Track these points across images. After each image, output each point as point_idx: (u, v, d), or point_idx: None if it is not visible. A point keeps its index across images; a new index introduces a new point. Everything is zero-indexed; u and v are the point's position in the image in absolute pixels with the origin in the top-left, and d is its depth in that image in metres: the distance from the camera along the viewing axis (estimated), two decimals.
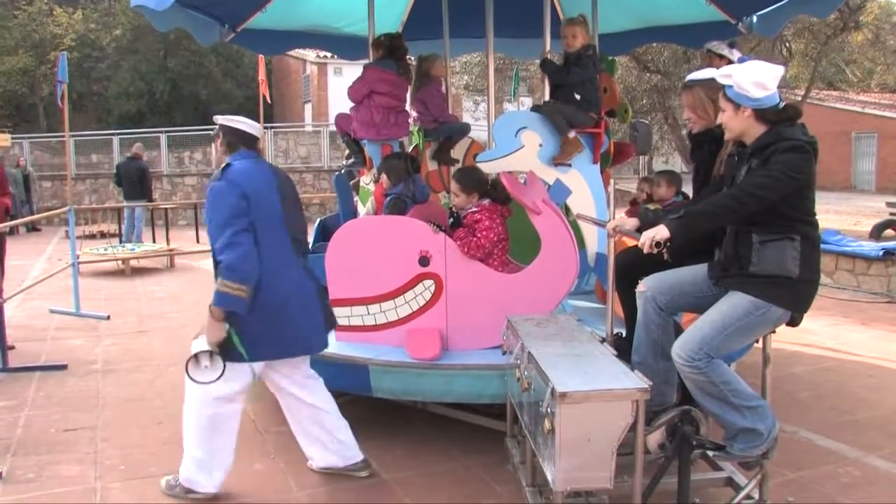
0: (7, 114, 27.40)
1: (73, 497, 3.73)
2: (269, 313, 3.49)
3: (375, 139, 5.68)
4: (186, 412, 3.65)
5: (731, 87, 3.10)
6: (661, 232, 3.05)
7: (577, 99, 5.01)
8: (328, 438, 3.86)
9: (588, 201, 5.09)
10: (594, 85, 5.11)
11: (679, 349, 3.14)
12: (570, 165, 5.03)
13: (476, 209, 4.43)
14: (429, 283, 4.38)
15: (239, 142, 3.67)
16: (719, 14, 6.10)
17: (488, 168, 4.88)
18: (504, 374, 3.89)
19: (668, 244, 3.06)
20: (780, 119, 3.09)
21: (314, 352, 3.82)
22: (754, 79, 3.05)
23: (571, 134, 4.97)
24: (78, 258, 8.81)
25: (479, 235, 4.30)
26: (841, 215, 17.08)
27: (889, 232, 11.91)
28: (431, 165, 6.34)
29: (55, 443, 4.43)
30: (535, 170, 4.96)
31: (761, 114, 3.10)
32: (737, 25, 6.09)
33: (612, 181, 3.63)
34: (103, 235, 15.26)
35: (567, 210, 5.12)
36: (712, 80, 3.35)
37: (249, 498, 3.72)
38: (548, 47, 5.48)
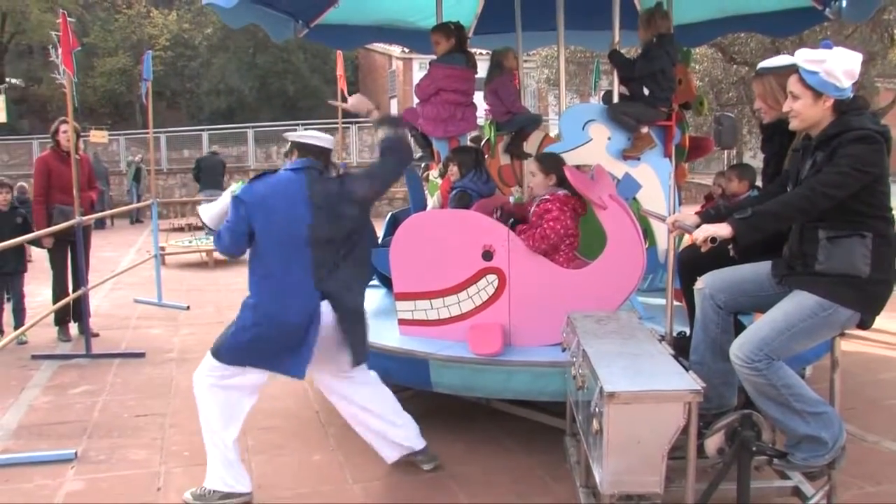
0: (107, 112, 28.62)
1: (139, 479, 3.85)
2: (264, 329, 3.52)
3: (443, 136, 5.65)
4: (204, 419, 3.65)
5: (816, 73, 2.90)
6: (720, 229, 2.91)
7: (644, 93, 4.88)
8: (385, 432, 3.85)
9: (659, 196, 4.96)
10: (666, 76, 4.95)
11: (737, 349, 3.00)
12: (639, 159, 4.90)
13: (549, 197, 4.34)
14: (492, 277, 4.32)
15: (307, 154, 3.63)
16: (805, 0, 5.79)
17: None
18: (564, 372, 3.80)
19: (731, 242, 2.93)
20: (850, 109, 2.91)
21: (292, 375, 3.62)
22: (846, 67, 2.87)
23: (644, 130, 4.85)
24: (163, 250, 9.10)
25: (545, 226, 4.20)
26: None
27: None
28: (504, 159, 6.26)
29: (127, 427, 4.59)
30: (604, 163, 4.84)
31: (839, 105, 2.93)
32: (823, 11, 5.75)
33: (671, 176, 3.48)
34: (190, 228, 15.75)
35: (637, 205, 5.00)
36: (786, 67, 3.19)
37: (304, 488, 3.75)
38: (616, 39, 5.32)
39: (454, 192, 5.05)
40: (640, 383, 2.65)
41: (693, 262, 3.72)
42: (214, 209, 3.68)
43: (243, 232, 3.49)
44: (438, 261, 4.39)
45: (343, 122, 13.40)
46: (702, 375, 2.80)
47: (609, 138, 4.96)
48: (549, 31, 6.07)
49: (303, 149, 3.63)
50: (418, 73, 25.51)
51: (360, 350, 3.67)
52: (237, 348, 3.56)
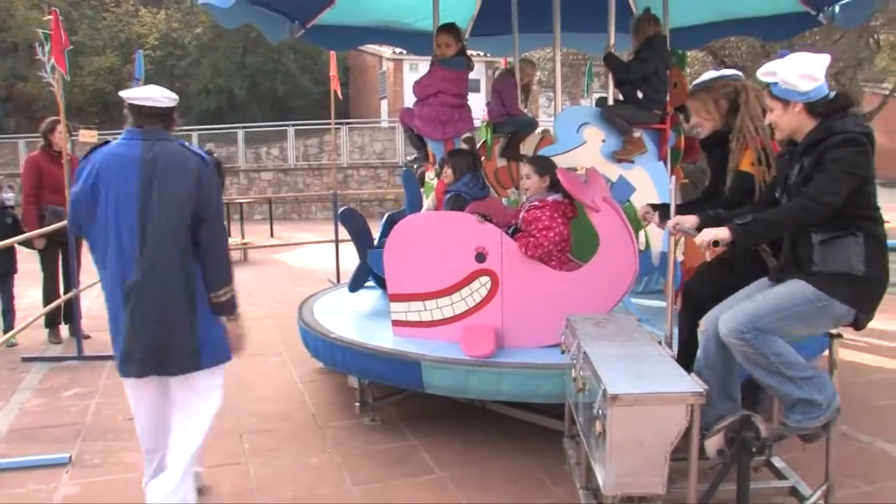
0: (95, 111, 28.43)
1: (133, 483, 3.79)
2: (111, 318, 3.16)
3: (441, 138, 5.64)
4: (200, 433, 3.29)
5: (776, 84, 2.97)
6: (722, 233, 2.93)
7: (639, 96, 4.91)
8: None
9: (654, 199, 4.97)
10: (659, 79, 5.01)
11: (727, 321, 3.02)
12: (633, 162, 4.93)
13: (538, 203, 4.38)
14: (485, 279, 4.35)
15: (135, 118, 3.11)
16: (798, 5, 5.83)
17: None
18: (558, 374, 3.82)
19: (729, 246, 2.96)
20: (831, 110, 2.94)
21: (150, 374, 3.15)
22: (801, 71, 2.91)
23: (636, 133, 4.87)
24: None
25: (538, 235, 4.25)
26: None
27: None
28: (500, 162, 6.31)
29: (121, 430, 4.55)
30: (598, 166, 4.87)
31: (812, 107, 2.96)
32: (817, 16, 5.80)
33: (673, 178, 3.50)
34: None
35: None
36: (713, 80, 3.50)
37: (302, 491, 3.74)
38: (612, 42, 5.36)
39: (448, 194, 5.06)
40: (643, 385, 2.66)
41: (695, 294, 3.69)
42: None
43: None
44: (432, 262, 4.42)
45: (335, 124, 13.39)
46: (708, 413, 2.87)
47: (603, 141, 5.00)
48: (544, 33, 6.10)
49: (131, 110, 3.12)
50: (409, 74, 25.51)
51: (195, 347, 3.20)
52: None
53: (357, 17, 6.77)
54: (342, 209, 5.63)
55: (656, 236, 5.08)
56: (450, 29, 5.58)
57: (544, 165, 4.49)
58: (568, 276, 4.28)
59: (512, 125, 6.09)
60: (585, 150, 5.01)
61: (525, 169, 4.55)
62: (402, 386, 4.49)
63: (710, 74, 3.55)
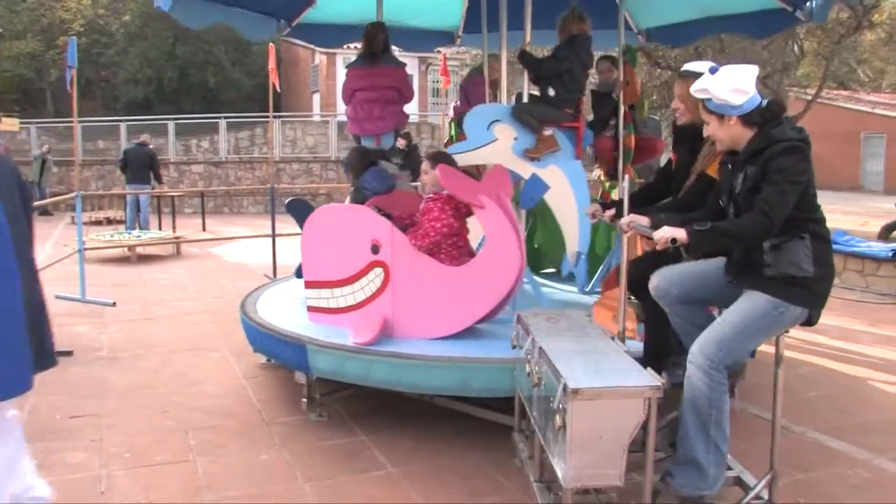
0: (14, 98, 27.41)
1: (79, 484, 3.72)
2: None
3: (360, 133, 5.79)
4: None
5: (709, 99, 3.06)
6: (680, 233, 3.01)
7: (551, 94, 4.95)
8: None
9: (569, 197, 5.05)
10: (573, 78, 5.01)
11: (697, 350, 3.10)
12: (538, 160, 4.96)
13: (433, 196, 4.54)
14: (379, 270, 4.55)
15: None
16: (776, 2, 5.84)
17: (460, 160, 4.92)
18: (424, 365, 4.12)
19: (684, 248, 3.05)
20: (766, 119, 3.04)
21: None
22: (731, 86, 3.01)
23: (547, 132, 4.91)
24: (84, 244, 8.79)
25: (426, 225, 4.42)
26: (849, 215, 17.02)
27: None
28: None
29: (61, 429, 4.43)
30: (510, 163, 4.95)
31: (747, 118, 3.06)
32: (793, 13, 5.92)
33: (626, 177, 3.58)
34: (109, 222, 15.27)
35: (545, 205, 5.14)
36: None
37: (253, 488, 3.69)
38: (528, 39, 5.38)
39: (351, 191, 5.33)
40: (602, 380, 2.73)
41: (638, 275, 3.74)
42: None
43: None
44: (337, 253, 4.65)
45: (267, 117, 13.13)
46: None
47: (515, 138, 5.02)
48: (537, 29, 6.17)
49: None
50: (341, 68, 25.32)
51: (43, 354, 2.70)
52: None
53: (344, 15, 6.72)
54: (290, 199, 5.62)
55: (572, 236, 5.15)
56: (366, 32, 5.78)
57: (440, 160, 4.61)
58: (453, 270, 4.45)
59: None
60: (496, 147, 5.02)
61: (423, 165, 4.70)
62: (294, 367, 4.66)
63: (707, 64, 3.53)
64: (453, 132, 6.18)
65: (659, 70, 13.66)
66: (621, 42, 5.82)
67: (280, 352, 4.69)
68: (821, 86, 15.23)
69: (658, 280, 3.43)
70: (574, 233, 5.10)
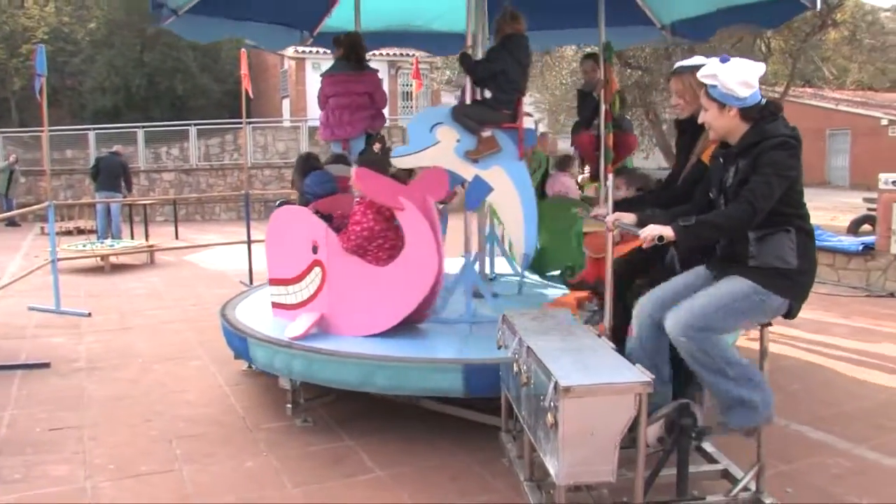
0: None
1: (65, 497, 3.66)
2: None
3: (331, 139, 5.91)
4: None
5: (715, 86, 3.10)
6: (666, 231, 3.04)
7: (486, 96, 5.00)
8: None
9: (513, 198, 5.05)
10: (507, 79, 4.99)
11: (672, 320, 3.13)
12: (479, 162, 4.97)
13: (360, 199, 4.71)
14: (318, 269, 4.82)
15: None
16: None
17: (402, 163, 5.03)
18: (338, 361, 4.28)
19: (671, 245, 3.08)
20: (762, 116, 3.09)
21: None
22: (740, 78, 3.05)
23: (486, 133, 4.92)
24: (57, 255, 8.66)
25: (350, 228, 4.63)
26: (817, 210, 17.23)
27: (866, 227, 12.05)
28: None
29: (41, 442, 4.36)
30: (453, 166, 4.98)
31: (746, 112, 3.11)
32: (803, 1, 5.97)
33: (610, 176, 3.61)
34: (80, 232, 15.04)
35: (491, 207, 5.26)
36: (701, 66, 3.34)
37: (244, 496, 3.67)
38: (469, 42, 5.39)
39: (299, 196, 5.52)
40: (592, 377, 2.75)
41: (619, 276, 3.76)
42: None
43: None
44: (287, 252, 4.94)
45: (238, 123, 13.03)
46: None
47: (458, 140, 5.01)
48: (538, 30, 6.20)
49: None
50: (311, 73, 25.26)
51: None
52: None
53: (370, 22, 6.71)
54: (279, 202, 5.70)
55: (517, 240, 5.16)
56: (337, 37, 5.89)
57: (370, 165, 4.84)
58: (378, 270, 4.64)
59: None
60: (439, 149, 5.01)
61: (353, 171, 4.89)
62: (243, 359, 5.00)
63: (699, 59, 3.56)
64: None
65: (630, 70, 13.76)
66: (601, 39, 5.84)
67: (236, 345, 4.97)
68: (788, 84, 15.46)
69: (646, 300, 3.41)
70: (520, 234, 5.10)
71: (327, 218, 4.93)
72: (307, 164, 5.67)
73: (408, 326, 4.71)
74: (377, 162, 5.02)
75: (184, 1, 5.26)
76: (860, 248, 9.08)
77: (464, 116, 4.97)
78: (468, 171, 5.01)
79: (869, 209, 12.72)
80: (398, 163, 5.08)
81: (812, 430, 4.46)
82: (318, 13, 6.27)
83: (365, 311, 4.63)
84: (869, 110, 28.05)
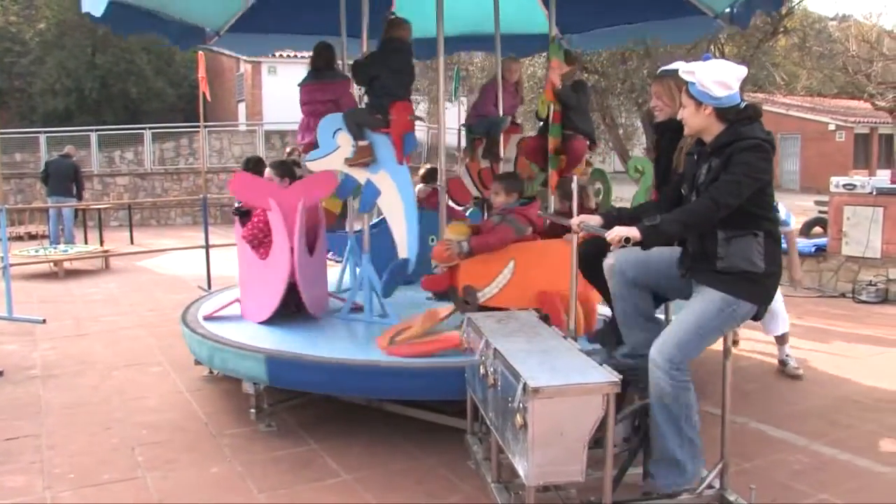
0: None
1: None
2: None
3: (301, 143, 6.06)
4: None
5: (693, 84, 3.16)
6: (632, 232, 3.08)
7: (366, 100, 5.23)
8: None
9: (396, 202, 5.16)
10: (381, 83, 5.14)
11: (656, 353, 3.17)
12: (365, 166, 5.12)
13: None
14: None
15: None
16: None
17: (313, 167, 5.23)
18: (217, 349, 4.67)
19: (639, 245, 3.12)
20: (739, 118, 3.15)
21: None
22: (717, 78, 3.11)
23: (363, 142, 5.06)
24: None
25: (251, 221, 5.28)
26: None
27: (817, 229, 12.32)
28: (483, 163, 6.74)
29: None
30: (349, 170, 5.18)
31: (721, 112, 3.16)
32: (715, 19, 5.99)
33: (574, 178, 3.65)
34: (32, 237, 14.74)
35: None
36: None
37: (208, 501, 3.62)
38: (364, 48, 5.55)
39: None
40: (561, 378, 2.77)
41: (590, 256, 3.80)
42: None
43: None
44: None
45: (194, 127, 12.81)
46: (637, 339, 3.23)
47: (353, 146, 5.15)
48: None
49: None
50: (267, 78, 25.05)
51: None
52: None
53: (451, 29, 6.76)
54: (236, 207, 5.82)
55: (401, 244, 5.19)
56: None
57: (281, 169, 5.65)
58: (256, 262, 5.22)
59: (482, 125, 6.47)
60: (339, 154, 5.18)
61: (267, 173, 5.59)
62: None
63: (680, 64, 3.62)
64: (468, 139, 6.47)
65: (586, 74, 13.90)
66: (552, 34, 5.88)
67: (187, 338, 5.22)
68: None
69: (613, 260, 3.51)
70: (403, 239, 5.16)
71: (248, 213, 5.47)
72: (247, 167, 6.57)
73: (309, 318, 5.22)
74: (279, 166, 5.80)
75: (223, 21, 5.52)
76: (812, 249, 9.29)
77: (352, 122, 5.12)
78: (361, 175, 5.20)
79: (820, 212, 13.02)
80: (311, 166, 5.30)
81: (771, 427, 4.56)
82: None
83: (253, 300, 5.27)
84: (818, 115, 28.77)
